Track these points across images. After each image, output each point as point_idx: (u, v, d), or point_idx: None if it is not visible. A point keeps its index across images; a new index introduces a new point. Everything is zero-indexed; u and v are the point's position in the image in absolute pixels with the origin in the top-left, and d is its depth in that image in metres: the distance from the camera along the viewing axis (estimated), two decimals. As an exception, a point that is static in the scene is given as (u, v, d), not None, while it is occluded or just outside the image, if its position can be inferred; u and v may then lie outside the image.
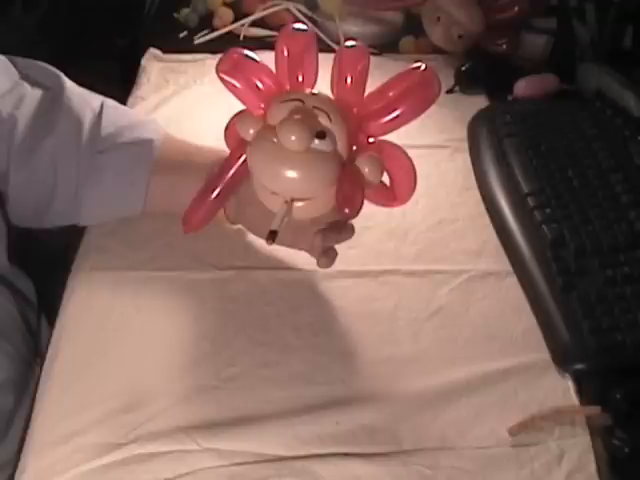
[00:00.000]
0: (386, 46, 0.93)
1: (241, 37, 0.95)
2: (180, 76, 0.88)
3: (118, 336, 0.60)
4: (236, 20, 0.96)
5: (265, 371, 0.58)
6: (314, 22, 0.95)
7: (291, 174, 0.53)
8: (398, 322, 0.62)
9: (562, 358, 0.58)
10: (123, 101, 0.78)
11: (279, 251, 0.64)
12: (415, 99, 0.56)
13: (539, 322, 0.61)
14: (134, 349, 0.59)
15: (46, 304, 0.71)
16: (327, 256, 0.57)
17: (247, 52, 0.59)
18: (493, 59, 0.87)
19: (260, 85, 0.58)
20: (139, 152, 0.65)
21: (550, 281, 0.62)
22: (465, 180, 0.75)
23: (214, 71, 0.58)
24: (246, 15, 0.96)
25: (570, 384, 0.57)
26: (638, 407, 0.54)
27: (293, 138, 0.52)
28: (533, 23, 0.91)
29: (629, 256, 0.63)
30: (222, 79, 0.58)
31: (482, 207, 0.71)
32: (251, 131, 0.56)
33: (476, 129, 0.78)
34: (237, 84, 0.58)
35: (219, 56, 0.59)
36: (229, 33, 0.95)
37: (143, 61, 0.90)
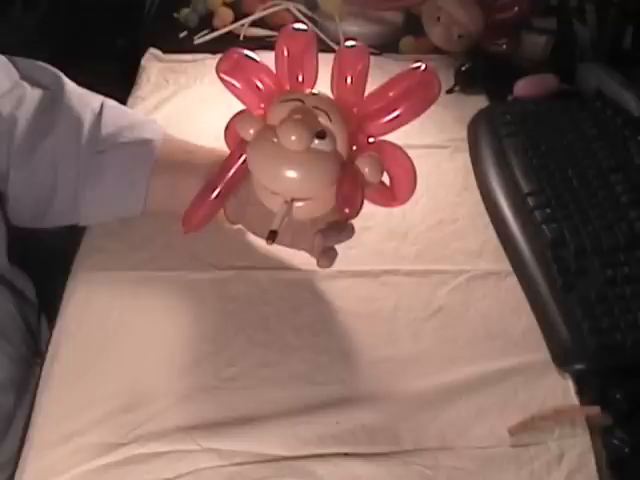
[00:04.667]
0: (386, 46, 0.93)
1: (241, 37, 0.95)
2: (180, 76, 0.88)
3: (118, 336, 0.60)
4: (236, 20, 0.96)
5: (265, 371, 0.58)
6: (314, 22, 0.95)
7: (291, 174, 0.53)
8: (398, 322, 0.62)
9: (562, 358, 0.58)
10: (123, 101, 0.78)
11: (279, 251, 0.64)
12: (415, 99, 0.56)
13: (539, 322, 0.61)
14: (134, 349, 0.59)
15: (46, 304, 0.71)
16: (327, 256, 0.57)
17: (247, 52, 0.59)
18: (493, 59, 0.87)
19: (260, 85, 0.58)
20: (139, 152, 0.65)
21: (550, 281, 0.62)
22: (465, 180, 0.75)
23: (214, 71, 0.58)
24: (246, 15, 0.96)
25: (570, 384, 0.57)
26: (638, 407, 0.54)
27: (293, 138, 0.52)
28: (533, 23, 0.91)
29: (629, 256, 0.63)
30: (222, 79, 0.58)
31: (482, 207, 0.71)
32: (251, 131, 0.56)
33: (476, 129, 0.78)
34: (237, 84, 0.58)
35: (219, 56, 0.59)
36: (229, 33, 0.95)
37: (143, 61, 0.90)
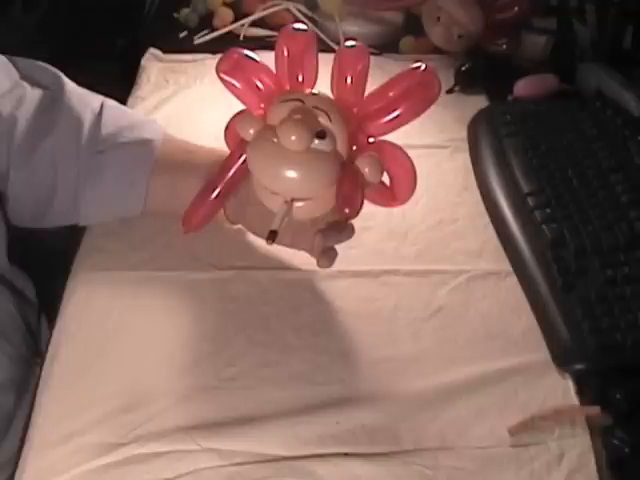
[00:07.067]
0: (386, 46, 0.93)
1: (241, 37, 0.95)
2: (180, 76, 0.88)
3: (118, 336, 0.60)
4: (236, 20, 0.96)
5: (265, 371, 0.58)
6: (314, 22, 0.95)
7: (291, 174, 0.53)
8: (398, 322, 0.62)
9: (562, 358, 0.58)
10: (123, 101, 0.78)
11: (279, 251, 0.64)
12: (415, 99, 0.56)
13: (539, 322, 0.61)
14: (134, 349, 0.59)
15: (46, 304, 0.71)
16: (327, 256, 0.57)
17: (247, 52, 0.59)
18: (493, 59, 0.88)
19: (260, 85, 0.58)
20: (139, 152, 0.65)
21: (550, 281, 0.62)
22: (465, 180, 0.75)
23: (214, 71, 0.59)
24: (246, 15, 0.96)
25: (570, 384, 0.57)
26: (638, 407, 0.54)
27: (293, 138, 0.52)
28: (533, 23, 0.91)
29: (629, 256, 0.63)
30: (222, 79, 0.58)
31: (482, 207, 0.71)
32: (251, 131, 0.56)
33: (476, 129, 0.78)
34: (237, 84, 0.58)
35: (219, 56, 0.59)
36: (229, 33, 0.95)
37: (143, 61, 0.90)
